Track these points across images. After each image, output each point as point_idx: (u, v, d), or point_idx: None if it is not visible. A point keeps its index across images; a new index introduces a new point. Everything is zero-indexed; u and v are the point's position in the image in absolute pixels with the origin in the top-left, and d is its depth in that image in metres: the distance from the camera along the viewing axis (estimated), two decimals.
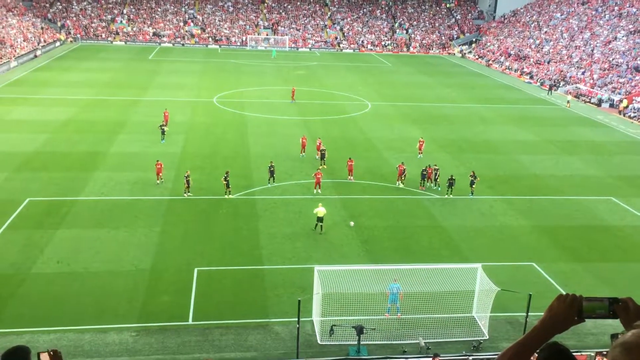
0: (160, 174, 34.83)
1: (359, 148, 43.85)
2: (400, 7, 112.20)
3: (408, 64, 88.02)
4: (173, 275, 24.90)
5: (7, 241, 27.18)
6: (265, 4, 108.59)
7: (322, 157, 39.01)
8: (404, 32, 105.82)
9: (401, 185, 36.01)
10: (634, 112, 59.19)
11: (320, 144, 41.22)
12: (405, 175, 35.93)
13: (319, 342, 20.93)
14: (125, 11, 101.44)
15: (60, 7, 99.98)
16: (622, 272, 26.96)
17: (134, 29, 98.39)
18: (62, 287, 23.64)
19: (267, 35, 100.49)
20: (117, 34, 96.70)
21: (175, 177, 35.94)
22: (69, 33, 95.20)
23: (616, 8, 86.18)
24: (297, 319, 20.29)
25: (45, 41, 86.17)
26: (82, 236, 27.93)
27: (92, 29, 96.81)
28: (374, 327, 20.83)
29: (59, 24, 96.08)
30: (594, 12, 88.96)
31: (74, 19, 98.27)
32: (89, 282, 24.02)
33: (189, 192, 33.25)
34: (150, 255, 26.44)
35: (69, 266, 25.19)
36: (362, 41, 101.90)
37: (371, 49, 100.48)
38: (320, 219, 29.18)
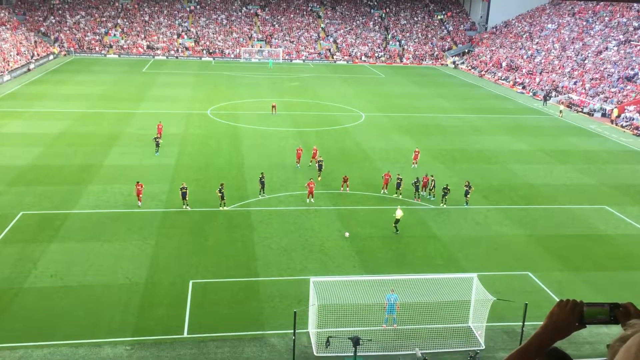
0: (141, 196, 33.13)
1: (353, 159, 43.92)
2: (393, 19, 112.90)
3: (401, 75, 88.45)
4: (168, 288, 24.75)
5: (0, 255, 26.97)
6: (259, 17, 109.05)
7: (320, 168, 39.00)
8: (397, 43, 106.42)
9: (386, 193, 36.13)
10: (626, 121, 59.58)
11: (316, 152, 41.37)
12: (402, 186, 35.92)
13: (315, 353, 20.82)
14: (118, 24, 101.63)
15: (53, 20, 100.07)
16: (617, 281, 26.99)
17: (128, 42, 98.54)
18: (55, 301, 23.45)
19: (260, 47, 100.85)
20: (111, 47, 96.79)
21: (169, 189, 35.84)
22: (63, 46, 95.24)
23: (606, 18, 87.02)
24: (293, 331, 20.19)
25: (38, 55, 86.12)
26: (76, 249, 27.76)
27: (85, 42, 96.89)
28: (370, 338, 20.73)
29: (52, 37, 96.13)
30: (584, 23, 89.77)
31: (68, 32, 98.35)
32: (83, 296, 23.84)
33: (187, 205, 33.08)
34: (144, 268, 26.30)
35: (62, 280, 25.00)
36: (356, 53, 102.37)
37: (364, 61, 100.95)
38: (397, 221, 30.62)
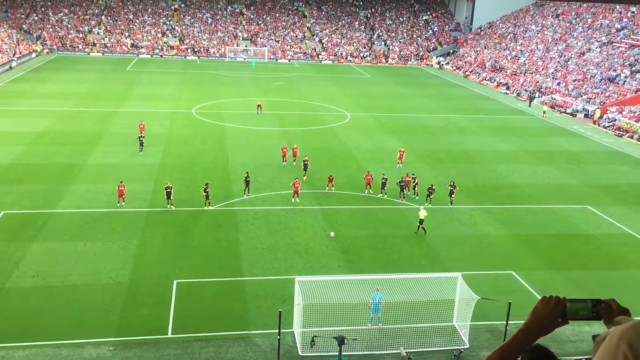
0: (123, 196, 32.65)
1: (339, 158, 43.95)
2: (378, 19, 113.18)
3: (386, 75, 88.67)
4: (152, 288, 24.59)
5: None
6: (244, 16, 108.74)
7: (305, 167, 38.96)
8: (382, 43, 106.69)
9: (371, 193, 36.22)
10: (608, 122, 60.27)
11: (296, 150, 41.47)
12: (387, 186, 36.00)
13: (300, 353, 20.80)
14: (102, 22, 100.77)
15: (36, 18, 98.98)
16: (599, 280, 27.29)
17: (112, 40, 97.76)
18: (37, 301, 23.19)
19: (245, 46, 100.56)
20: (95, 45, 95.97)
21: (154, 189, 35.61)
22: (45, 44, 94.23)
23: (589, 20, 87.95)
24: (278, 331, 20.15)
25: (20, 52, 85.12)
26: (58, 249, 27.48)
27: (68, 40, 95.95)
28: (355, 337, 20.75)
29: (35, 35, 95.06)
30: (567, 24, 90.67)
31: (51, 30, 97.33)
32: (66, 296, 23.60)
33: (172, 204, 32.89)
34: (128, 267, 26.10)
35: (44, 280, 24.73)
36: (341, 52, 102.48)
37: (350, 60, 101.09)
38: (421, 221, 30.76)
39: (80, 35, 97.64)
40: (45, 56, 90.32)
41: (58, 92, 63.06)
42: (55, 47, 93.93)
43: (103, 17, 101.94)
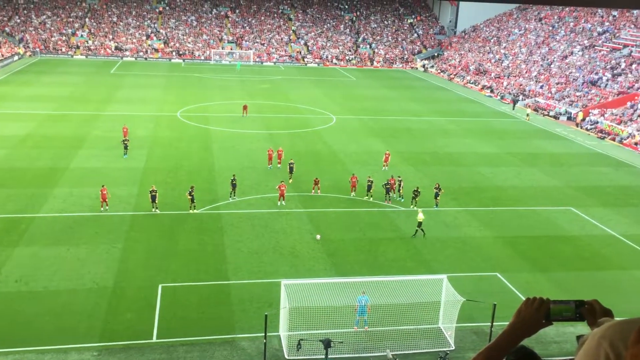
0: (106, 200, 32.34)
1: (324, 161, 43.98)
2: (363, 22, 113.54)
3: (372, 78, 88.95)
4: (136, 292, 24.40)
5: None
6: (229, 19, 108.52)
7: (291, 170, 38.93)
8: (368, 46, 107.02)
9: (355, 196, 36.27)
10: (591, 125, 60.95)
11: (281, 153, 41.47)
12: (372, 188, 36.10)
13: (286, 357, 20.74)
14: (86, 25, 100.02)
15: (18, 20, 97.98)
16: (583, 281, 27.56)
17: (95, 42, 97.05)
18: (20, 306, 22.91)
19: (231, 49, 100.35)
20: (78, 47, 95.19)
21: (138, 192, 35.36)
22: (28, 47, 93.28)
23: (571, 24, 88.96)
24: (264, 334, 20.09)
25: (2, 55, 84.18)
26: (41, 254, 27.17)
27: (51, 43, 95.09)
28: (342, 340, 20.75)
29: (17, 37, 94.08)
30: (550, 28, 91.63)
31: (33, 32, 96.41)
32: (49, 301, 23.35)
33: (156, 208, 32.67)
34: (112, 272, 25.88)
35: (27, 285, 24.45)
36: (327, 55, 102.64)
37: (335, 64, 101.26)
38: (419, 224, 30.82)
39: (64, 38, 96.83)
40: (28, 59, 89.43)
41: (41, 95, 62.45)
42: (38, 49, 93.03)
43: (87, 20, 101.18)
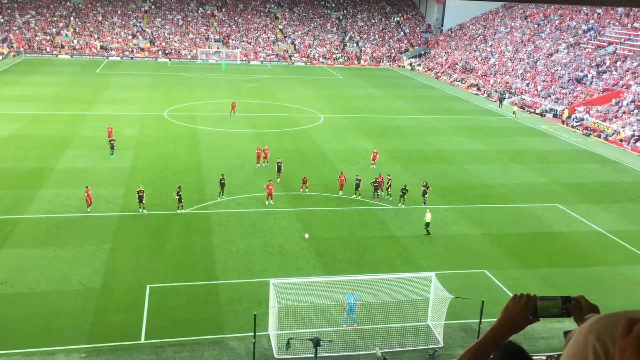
0: (91, 201, 32.05)
1: (312, 160, 43.97)
2: (350, 20, 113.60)
3: (359, 76, 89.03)
4: (124, 293, 24.25)
5: None
6: (216, 17, 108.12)
7: (279, 169, 38.88)
8: (355, 45, 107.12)
9: (342, 194, 36.32)
10: (576, 122, 61.44)
11: (267, 151, 41.44)
12: (361, 187, 36.16)
13: (275, 356, 20.73)
14: (70, 24, 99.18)
15: (2, 20, 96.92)
16: (570, 277, 27.78)
17: (81, 42, 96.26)
18: (6, 308, 22.69)
19: (217, 48, 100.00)
20: (63, 47, 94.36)
21: (125, 193, 35.14)
22: (12, 47, 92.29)
23: (557, 22, 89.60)
24: (253, 334, 20.06)
25: None
26: (27, 255, 26.93)
27: (36, 43, 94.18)
28: (331, 339, 20.77)
29: (1, 37, 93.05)
30: (536, 26, 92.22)
31: (17, 32, 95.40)
32: (35, 303, 23.14)
33: (144, 208, 32.47)
34: (99, 273, 25.70)
35: (13, 287, 24.21)
36: (314, 54, 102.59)
37: (322, 62, 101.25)
38: (427, 224, 31.08)
39: (48, 37, 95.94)
40: (12, 59, 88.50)
41: (26, 95, 61.85)
42: (22, 49, 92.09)
43: (71, 19, 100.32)
